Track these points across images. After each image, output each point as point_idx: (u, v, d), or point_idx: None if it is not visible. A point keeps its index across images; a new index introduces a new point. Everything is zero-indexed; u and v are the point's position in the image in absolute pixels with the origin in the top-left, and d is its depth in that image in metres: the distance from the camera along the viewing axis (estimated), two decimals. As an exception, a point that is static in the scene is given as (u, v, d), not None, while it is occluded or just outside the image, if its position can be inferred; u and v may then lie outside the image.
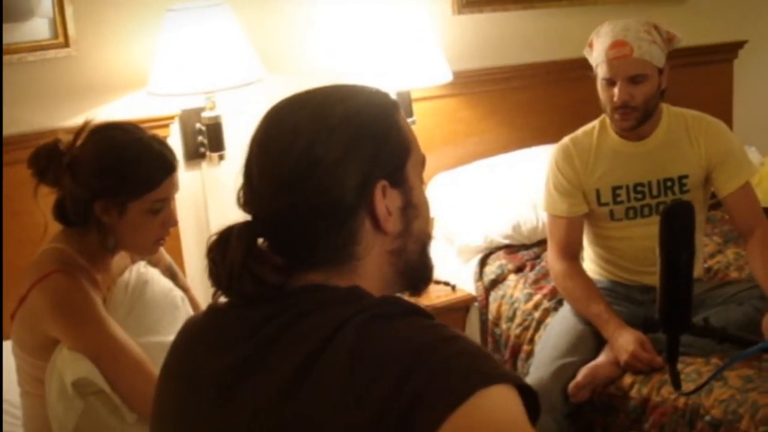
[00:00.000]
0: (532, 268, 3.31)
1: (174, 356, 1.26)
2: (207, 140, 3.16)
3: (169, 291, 2.20)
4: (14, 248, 2.74)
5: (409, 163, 1.21)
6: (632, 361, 2.52)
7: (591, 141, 2.79)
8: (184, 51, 2.89)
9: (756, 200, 2.78)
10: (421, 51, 3.32)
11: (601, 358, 2.61)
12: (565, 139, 2.85)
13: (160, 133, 2.61)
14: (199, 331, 1.24)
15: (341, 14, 3.49)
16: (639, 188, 2.75)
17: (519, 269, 3.34)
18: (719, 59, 4.47)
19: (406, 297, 1.25)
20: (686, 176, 2.72)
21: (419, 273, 1.27)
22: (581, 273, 2.82)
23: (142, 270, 2.18)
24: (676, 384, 1.54)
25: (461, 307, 3.37)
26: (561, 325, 2.77)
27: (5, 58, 2.87)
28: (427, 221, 1.26)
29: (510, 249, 3.47)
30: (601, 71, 2.65)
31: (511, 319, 3.12)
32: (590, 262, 2.97)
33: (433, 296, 3.31)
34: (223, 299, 1.21)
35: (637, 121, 2.66)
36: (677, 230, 1.43)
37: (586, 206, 2.80)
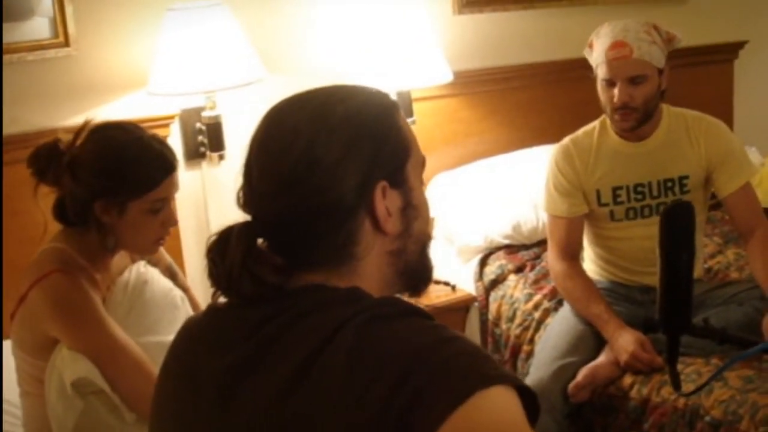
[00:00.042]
0: (533, 269, 3.31)
1: (173, 356, 1.26)
2: (207, 140, 3.16)
3: (168, 291, 2.19)
4: (14, 248, 2.74)
5: (409, 163, 1.21)
6: (632, 361, 2.52)
7: (591, 141, 2.79)
8: (184, 51, 2.89)
9: (756, 201, 2.78)
10: (422, 51, 3.32)
11: (601, 359, 2.61)
12: (566, 140, 2.85)
13: (160, 132, 2.61)
14: (198, 331, 1.24)
15: (341, 14, 3.49)
16: (639, 189, 2.74)
17: (519, 269, 3.34)
18: (720, 59, 4.47)
19: (405, 298, 1.25)
20: (686, 177, 2.72)
21: (419, 274, 1.27)
22: (581, 273, 2.82)
23: (142, 270, 2.17)
24: (676, 385, 1.53)
25: (461, 307, 3.36)
26: (561, 325, 2.77)
27: (5, 57, 2.87)
28: (427, 222, 1.26)
29: (510, 249, 3.47)
30: (601, 72, 2.65)
31: (511, 319, 3.12)
32: (590, 263, 2.97)
33: (433, 296, 3.31)
34: (222, 299, 1.21)
35: (637, 121, 2.66)
36: (677, 231, 1.43)
37: (586, 206, 2.80)
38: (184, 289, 2.31)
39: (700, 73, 4.27)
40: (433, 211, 3.51)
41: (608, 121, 2.76)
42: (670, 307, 1.45)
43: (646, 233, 2.69)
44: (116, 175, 1.95)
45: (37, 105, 2.97)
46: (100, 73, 3.07)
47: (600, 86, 2.68)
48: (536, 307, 3.06)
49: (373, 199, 1.16)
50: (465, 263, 3.50)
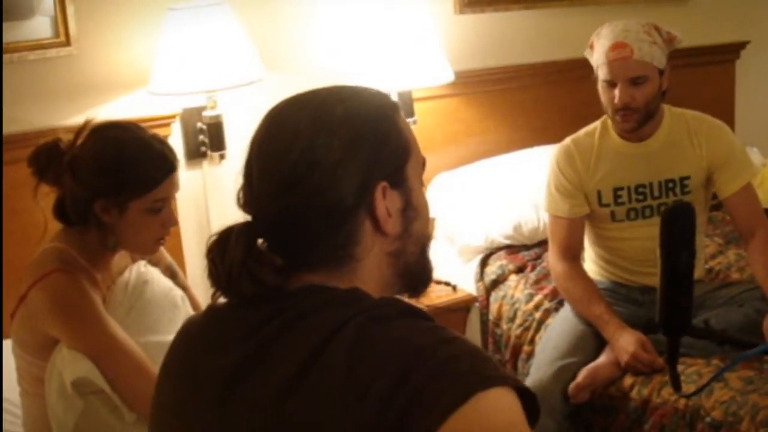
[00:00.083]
0: (533, 269, 3.31)
1: (173, 356, 1.26)
2: (208, 139, 3.16)
3: (169, 290, 2.20)
4: (14, 247, 2.74)
5: (409, 164, 1.21)
6: (633, 362, 2.51)
7: (592, 142, 2.79)
8: (185, 50, 2.89)
9: (757, 201, 2.78)
10: (423, 51, 3.32)
11: (602, 359, 2.60)
12: (567, 140, 2.85)
13: (161, 132, 2.61)
14: (198, 332, 1.25)
15: (342, 13, 3.49)
16: (640, 189, 2.74)
17: (520, 270, 3.34)
18: (721, 60, 4.46)
19: (405, 298, 1.24)
20: (688, 177, 2.72)
21: (418, 275, 1.27)
22: (582, 274, 2.82)
23: (142, 269, 2.17)
24: (676, 386, 1.53)
25: (462, 308, 3.36)
26: (562, 325, 2.77)
27: (6, 56, 2.87)
28: (426, 223, 1.26)
29: (511, 249, 3.47)
30: (601, 73, 2.65)
31: (512, 319, 3.12)
32: (591, 263, 2.97)
33: (434, 296, 3.31)
34: (222, 299, 1.21)
35: (638, 122, 2.65)
36: (678, 232, 1.43)
37: (587, 207, 2.80)
38: (185, 289, 2.31)
39: (702, 74, 4.27)
40: (434, 211, 3.52)
41: (609, 122, 2.76)
42: (670, 308, 1.45)
43: (647, 234, 2.69)
44: (117, 175, 1.95)
45: (38, 104, 2.97)
46: (101, 72, 3.07)
47: (601, 87, 2.67)
48: (537, 307, 3.06)
49: (373, 200, 1.16)
50: (466, 263, 3.50)
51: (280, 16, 3.39)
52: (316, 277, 1.17)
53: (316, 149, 1.14)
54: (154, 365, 1.86)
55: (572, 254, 2.83)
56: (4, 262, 2.72)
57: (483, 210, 3.49)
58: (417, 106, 3.49)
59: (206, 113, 3.11)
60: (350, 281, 1.17)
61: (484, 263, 3.44)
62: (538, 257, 3.39)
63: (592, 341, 2.66)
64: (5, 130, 2.87)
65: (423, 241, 1.26)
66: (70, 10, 2.96)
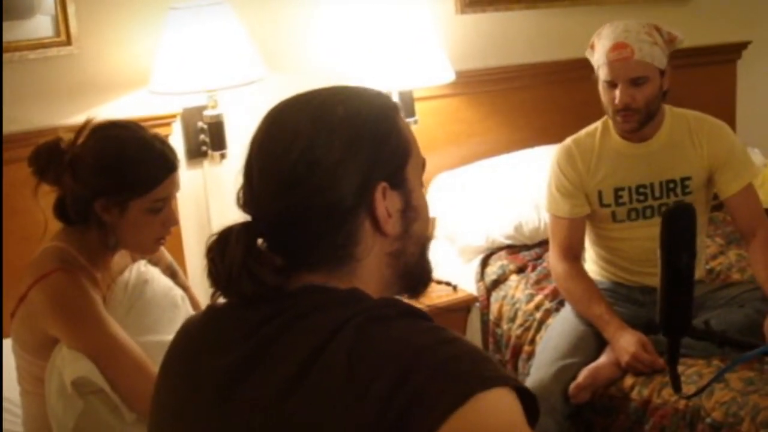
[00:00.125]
0: (534, 269, 3.31)
1: (172, 356, 1.26)
2: (209, 139, 3.16)
3: (169, 290, 2.19)
4: (14, 247, 2.74)
5: (409, 165, 1.21)
6: (633, 362, 2.51)
7: (593, 142, 2.79)
8: (186, 49, 2.89)
9: (758, 202, 2.78)
10: (424, 50, 3.32)
11: (602, 360, 2.60)
12: (568, 140, 2.85)
13: (161, 131, 2.61)
14: (197, 331, 1.24)
15: (343, 13, 3.49)
16: (641, 190, 2.74)
17: (520, 270, 3.34)
18: (722, 60, 4.46)
19: (404, 299, 1.24)
20: (689, 178, 2.72)
21: (418, 275, 1.27)
22: (583, 274, 2.82)
23: (143, 269, 2.17)
24: (677, 387, 1.53)
25: (462, 308, 3.36)
26: (562, 326, 2.77)
27: (6, 55, 2.87)
28: (426, 224, 1.26)
29: (511, 249, 3.47)
30: (602, 73, 2.64)
31: (513, 319, 3.12)
32: (592, 263, 2.97)
33: (435, 296, 3.30)
34: (222, 299, 1.21)
35: (638, 123, 2.65)
36: (678, 232, 1.42)
37: (588, 207, 2.80)
38: (185, 288, 2.31)
39: (703, 74, 4.26)
40: (435, 211, 3.52)
41: (610, 122, 2.76)
42: (670, 308, 1.45)
43: (648, 234, 2.69)
44: (117, 174, 1.95)
45: (39, 103, 2.97)
46: (101, 71, 3.07)
47: (601, 87, 2.67)
48: (537, 307, 3.06)
49: (373, 200, 1.16)
50: (466, 263, 3.50)
51: (281, 15, 3.39)
52: (316, 277, 1.17)
53: (317, 149, 1.14)
54: (154, 365, 1.85)
55: (573, 254, 2.82)
56: (4, 261, 2.72)
57: (484, 210, 3.49)
58: (418, 106, 3.49)
59: (207, 113, 3.11)
60: (350, 282, 1.17)
61: (484, 263, 3.43)
62: (539, 257, 3.39)
63: (593, 341, 2.66)
64: (5, 130, 2.87)
65: (423, 241, 1.26)
66: (71, 9, 2.96)
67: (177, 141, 3.17)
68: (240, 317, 1.17)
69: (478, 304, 3.33)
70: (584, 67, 2.79)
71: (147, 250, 2.16)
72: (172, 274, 2.33)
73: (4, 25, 2.86)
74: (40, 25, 2.95)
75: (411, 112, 3.43)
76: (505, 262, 3.38)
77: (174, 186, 2.03)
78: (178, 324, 1.34)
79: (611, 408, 2.55)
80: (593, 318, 2.67)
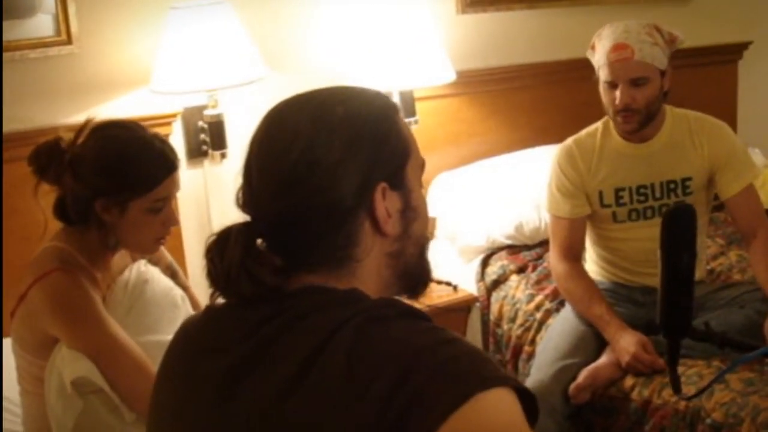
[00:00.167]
0: (534, 269, 3.30)
1: (172, 356, 1.26)
2: (209, 138, 3.16)
3: (169, 290, 2.19)
4: (14, 246, 2.74)
5: (408, 165, 1.21)
6: (633, 362, 2.51)
7: (594, 142, 2.79)
8: (186, 49, 2.89)
9: (759, 202, 2.78)
10: (425, 50, 3.31)
11: (603, 360, 2.60)
12: (569, 141, 2.84)
13: (162, 130, 2.61)
14: (197, 332, 1.24)
15: (344, 13, 3.48)
16: (642, 190, 2.74)
17: (521, 270, 3.33)
18: (723, 60, 4.45)
19: (404, 299, 1.24)
20: (689, 178, 2.72)
21: (417, 276, 1.27)
22: (583, 274, 2.82)
23: (143, 269, 2.17)
24: (677, 388, 1.53)
25: (463, 308, 3.36)
26: (562, 326, 2.77)
27: (7, 54, 2.87)
28: (425, 224, 1.26)
29: (512, 249, 3.47)
30: (602, 74, 2.64)
31: (513, 319, 3.12)
32: (592, 263, 2.96)
33: (435, 296, 3.30)
34: (221, 300, 1.21)
35: (639, 123, 2.65)
36: (678, 233, 1.42)
37: (588, 207, 2.80)
38: (185, 288, 2.31)
39: (704, 74, 4.26)
40: (435, 211, 3.53)
41: (611, 122, 2.76)
42: (670, 310, 1.45)
43: (649, 234, 2.69)
44: (117, 174, 1.95)
45: (39, 103, 2.97)
46: (102, 71, 3.07)
47: (602, 88, 2.67)
48: (538, 307, 3.05)
49: (372, 201, 1.16)
50: (467, 263, 3.50)
51: (281, 15, 3.39)
52: (316, 277, 1.16)
53: (317, 149, 1.14)
54: (154, 365, 1.85)
55: (573, 255, 2.82)
56: (4, 261, 2.72)
57: (484, 210, 3.48)
58: (418, 106, 3.49)
59: (207, 112, 3.12)
60: (349, 282, 1.17)
61: (485, 263, 3.43)
62: (540, 257, 3.39)
63: (593, 342, 2.66)
64: (6, 129, 2.87)
65: (422, 242, 1.26)
66: (72, 8, 2.96)
67: (177, 140, 3.17)
68: (239, 317, 1.17)
69: (478, 304, 3.33)
70: (585, 67, 2.78)
71: (147, 250, 2.16)
72: (172, 274, 2.33)
73: (5, 24, 2.86)
74: (41, 24, 2.95)
75: (411, 112, 3.42)
76: (505, 262, 3.38)
77: (174, 186, 2.03)
78: (178, 324, 1.34)
79: (611, 408, 2.55)
80: (593, 318, 2.67)
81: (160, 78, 2.94)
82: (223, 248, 1.15)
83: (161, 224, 2.03)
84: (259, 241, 1.18)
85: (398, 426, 0.98)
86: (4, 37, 2.86)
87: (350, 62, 3.37)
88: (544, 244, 3.35)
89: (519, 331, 3.05)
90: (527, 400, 1.04)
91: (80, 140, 1.98)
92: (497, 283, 3.30)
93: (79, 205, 1.96)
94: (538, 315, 3.02)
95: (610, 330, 2.61)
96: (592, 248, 2.95)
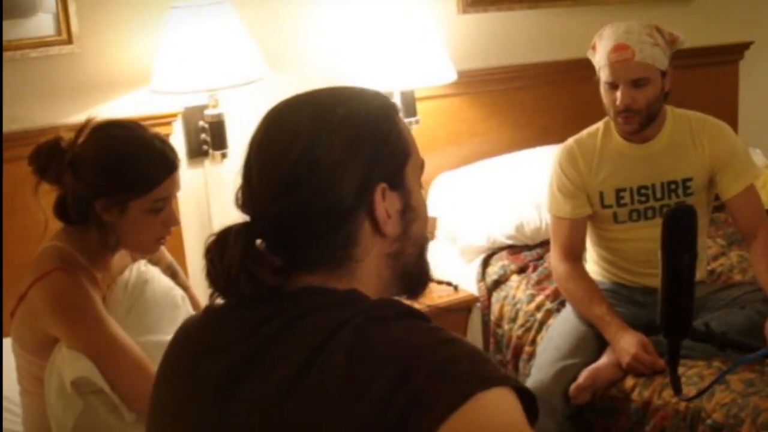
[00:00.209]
0: (535, 269, 3.30)
1: (171, 356, 1.26)
2: (210, 138, 3.16)
3: (169, 290, 2.19)
4: (14, 246, 2.74)
5: (408, 166, 1.21)
6: (634, 363, 2.51)
7: (595, 143, 2.79)
8: (187, 48, 2.89)
9: (760, 203, 2.78)
10: (426, 50, 3.31)
11: (603, 360, 2.60)
12: (569, 141, 2.84)
13: (162, 130, 2.61)
14: (197, 332, 1.24)
15: (345, 12, 3.48)
16: (643, 191, 2.74)
17: (522, 270, 3.33)
18: (725, 60, 4.45)
19: (403, 300, 1.24)
20: (690, 179, 2.72)
21: (417, 276, 1.27)
22: (584, 274, 2.81)
23: (143, 269, 2.17)
24: (677, 389, 1.53)
25: (463, 308, 3.36)
26: (563, 326, 2.77)
27: (8, 54, 2.87)
28: (425, 225, 1.26)
29: (513, 249, 3.46)
30: (603, 75, 2.64)
31: (513, 320, 3.12)
32: (593, 264, 2.96)
33: (436, 296, 3.30)
34: (220, 300, 1.21)
35: (640, 124, 2.65)
36: (679, 234, 1.42)
37: (589, 208, 2.79)
38: (185, 288, 2.30)
39: (705, 75, 4.26)
40: (436, 210, 3.52)
41: (612, 123, 2.75)
42: (671, 310, 1.44)
43: (649, 235, 2.68)
44: (118, 174, 1.95)
45: (40, 102, 2.97)
46: (102, 70, 3.07)
47: (603, 89, 2.67)
48: (538, 308, 3.05)
49: (372, 201, 1.16)
50: (467, 263, 3.49)
51: (282, 14, 3.39)
52: (315, 278, 1.16)
53: (317, 149, 1.14)
54: (154, 365, 1.85)
55: (574, 255, 2.82)
56: (4, 260, 2.72)
57: (485, 210, 3.48)
58: (419, 106, 3.49)
59: (208, 112, 3.11)
60: (349, 282, 1.17)
61: (485, 263, 3.43)
62: (540, 258, 3.38)
63: (594, 342, 2.66)
64: (6, 128, 2.87)
65: (421, 242, 1.26)
66: (72, 8, 2.96)
67: (178, 140, 3.17)
68: (239, 318, 1.17)
69: (479, 305, 3.33)
70: (586, 67, 2.78)
71: (147, 250, 2.16)
72: (172, 274, 2.32)
73: (6, 23, 2.86)
74: (42, 23, 2.95)
75: (412, 112, 3.42)
76: (506, 262, 3.38)
77: (174, 186, 2.03)
78: (178, 324, 1.34)
79: (612, 409, 2.55)
80: (594, 319, 2.67)
81: (161, 78, 2.94)
82: (223, 248, 1.15)
83: (161, 224, 2.03)
84: (258, 241, 1.17)
85: (398, 426, 0.98)
86: (5, 37, 2.86)
87: (351, 62, 3.37)
88: (544, 244, 3.35)
89: (519, 332, 3.05)
90: (527, 399, 1.04)
91: (81, 140, 1.98)
92: (498, 283, 3.30)
93: (80, 204, 1.96)
94: (539, 315, 3.02)
95: (611, 330, 2.61)
96: (592, 249, 2.95)
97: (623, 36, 2.58)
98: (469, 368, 1.03)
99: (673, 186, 2.72)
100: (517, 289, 3.21)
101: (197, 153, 3.26)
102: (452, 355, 1.05)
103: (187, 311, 2.17)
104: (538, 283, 3.19)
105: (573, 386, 2.56)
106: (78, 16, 2.98)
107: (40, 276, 1.92)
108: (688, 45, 2.72)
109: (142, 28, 3.09)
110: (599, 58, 2.65)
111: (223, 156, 3.17)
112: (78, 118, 2.73)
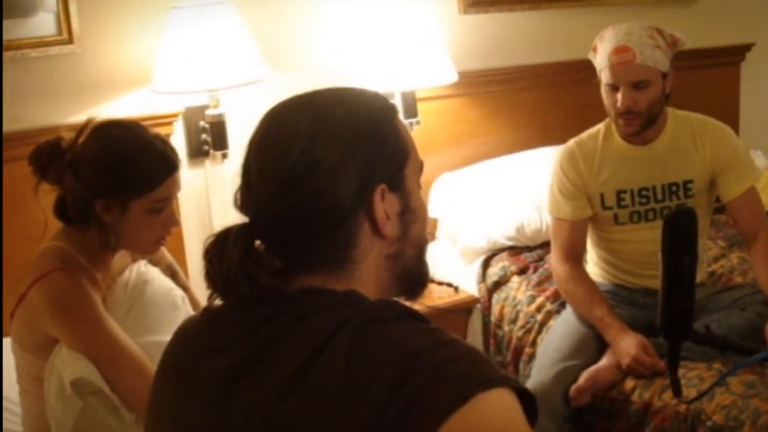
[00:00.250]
0: (536, 270, 3.30)
1: (170, 357, 1.26)
2: (210, 138, 3.16)
3: (169, 290, 2.19)
4: (14, 246, 2.74)
5: (407, 167, 1.21)
6: (634, 365, 2.51)
7: (596, 144, 2.78)
8: (188, 49, 2.89)
9: (761, 205, 2.78)
10: (427, 51, 3.31)
11: (603, 362, 2.60)
12: (570, 142, 2.84)
13: (163, 130, 2.61)
14: (196, 333, 1.24)
15: (346, 13, 3.48)
16: (644, 193, 2.73)
17: (522, 271, 3.33)
18: (726, 62, 4.45)
19: (402, 301, 1.24)
20: (691, 181, 2.71)
21: (416, 278, 1.27)
22: (584, 276, 2.81)
23: (143, 269, 2.17)
24: (677, 391, 1.53)
25: (464, 309, 3.36)
26: (563, 328, 2.76)
27: (9, 54, 2.87)
28: (424, 226, 1.26)
29: (513, 251, 3.46)
30: (604, 77, 2.64)
31: (514, 321, 3.12)
32: (593, 265, 2.96)
33: (436, 297, 3.30)
34: (219, 302, 1.21)
35: (641, 126, 2.65)
36: (680, 236, 1.42)
37: (590, 209, 2.79)
38: (185, 289, 2.30)
39: (707, 76, 4.26)
40: (437, 211, 3.52)
41: (613, 124, 2.75)
42: (671, 312, 1.45)
43: (650, 237, 2.68)
44: (118, 174, 1.94)
45: (40, 102, 2.97)
46: (103, 70, 3.07)
47: (604, 90, 2.66)
48: (539, 309, 3.05)
49: (372, 202, 1.16)
50: (468, 264, 3.49)
51: (283, 15, 3.39)
52: (314, 279, 1.16)
53: (317, 149, 1.14)
54: (154, 365, 1.85)
55: (575, 256, 2.82)
56: (4, 260, 2.72)
57: (486, 211, 3.48)
58: (420, 107, 3.48)
59: (209, 112, 3.11)
60: (348, 284, 1.17)
61: (486, 264, 3.43)
62: (541, 259, 3.38)
63: (594, 344, 2.66)
64: (6, 128, 2.87)
65: (420, 244, 1.26)
66: (73, 7, 2.96)
67: (179, 140, 3.17)
68: (238, 319, 1.17)
69: (479, 306, 3.32)
70: (587, 68, 2.78)
71: (147, 251, 2.16)
72: (172, 274, 2.32)
73: (7, 22, 2.86)
74: (43, 23, 2.95)
75: (413, 113, 3.42)
76: (506, 263, 3.38)
77: (175, 186, 2.03)
78: (178, 325, 1.34)
79: (612, 411, 2.55)
80: (594, 320, 2.67)
81: (162, 78, 2.94)
82: (222, 250, 1.15)
83: (162, 225, 2.03)
84: (257, 242, 1.17)
85: (397, 427, 0.98)
86: (5, 36, 2.86)
87: (352, 63, 3.37)
88: (545, 245, 3.35)
89: (520, 333, 3.05)
90: (527, 400, 1.04)
91: (81, 140, 1.97)
92: (498, 285, 3.30)
93: (80, 204, 1.96)
94: (539, 316, 3.02)
95: (611, 332, 2.61)
96: (593, 250, 2.95)
97: (624, 38, 2.58)
98: (469, 369, 1.03)
99: (674, 188, 2.72)
100: (518, 290, 3.21)
101: (198, 153, 3.26)
102: (451, 357, 1.04)
103: (187, 312, 2.17)
104: (539, 284, 3.19)
105: (573, 388, 2.55)
106: (79, 16, 2.98)
107: (39, 276, 1.91)
108: (689, 46, 2.72)
109: (143, 28, 3.09)
110: (600, 60, 2.64)
111: (224, 156, 3.17)
112: (78, 118, 2.73)
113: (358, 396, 1.01)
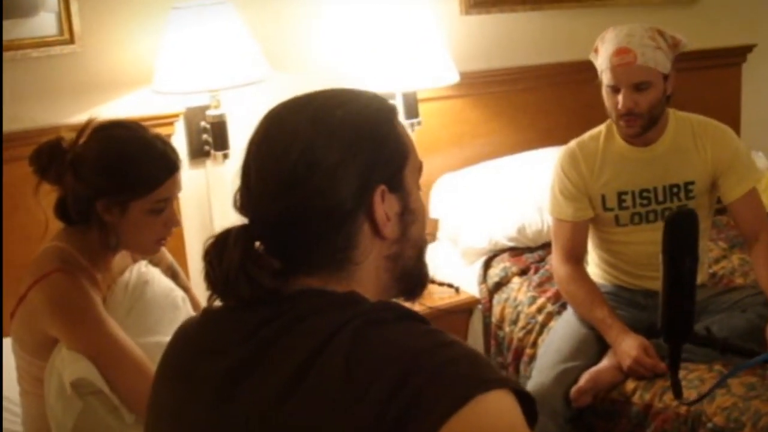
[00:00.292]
0: (537, 271, 3.30)
1: (170, 358, 1.26)
2: (211, 139, 3.15)
3: (170, 291, 2.19)
4: (14, 246, 2.74)
5: (407, 168, 1.21)
6: (635, 366, 2.51)
7: (597, 146, 2.78)
8: (189, 49, 2.89)
9: (762, 206, 2.78)
10: (428, 51, 3.31)
11: (604, 363, 2.60)
12: (572, 144, 2.84)
13: (164, 131, 2.61)
14: (195, 334, 1.25)
15: (347, 13, 3.48)
16: (645, 194, 2.73)
17: (523, 272, 3.33)
18: (728, 63, 4.44)
19: (402, 302, 1.24)
20: (692, 182, 2.71)
21: (415, 279, 1.27)
22: (585, 277, 2.81)
23: (143, 269, 2.17)
24: (678, 393, 1.53)
25: (465, 310, 3.36)
26: (564, 329, 2.76)
27: (9, 54, 2.87)
28: (423, 227, 1.26)
29: (514, 251, 3.46)
30: (605, 78, 2.63)
31: (515, 322, 3.12)
32: (594, 266, 2.96)
33: (437, 298, 3.29)
34: (219, 303, 1.20)
35: (642, 128, 2.65)
36: (681, 238, 1.42)
37: (591, 211, 2.79)
38: (186, 290, 2.30)
39: (708, 77, 4.25)
40: (438, 212, 3.52)
41: (614, 126, 2.75)
42: (672, 313, 1.44)
43: (651, 238, 2.67)
44: (119, 174, 1.94)
45: (41, 102, 2.96)
46: (104, 70, 3.07)
47: (605, 92, 2.66)
48: (540, 310, 3.05)
49: (372, 203, 1.16)
50: (469, 265, 3.49)
51: (284, 15, 3.39)
52: (314, 280, 1.16)
53: (317, 150, 1.14)
54: (154, 366, 1.85)
55: (576, 257, 2.82)
56: (4, 261, 2.72)
57: (487, 212, 3.48)
58: (422, 107, 3.48)
59: (210, 112, 3.11)
60: (348, 285, 1.17)
61: (487, 265, 3.43)
62: (542, 260, 3.38)
63: (595, 345, 2.66)
64: (7, 128, 2.86)
65: (420, 245, 1.26)
66: (74, 7, 2.95)
67: (179, 141, 3.17)
68: (238, 320, 1.17)
69: (480, 307, 3.32)
70: (589, 69, 2.77)
71: (148, 251, 2.16)
72: (173, 274, 2.32)
73: (8, 22, 2.85)
74: (44, 23, 2.94)
75: (415, 114, 3.41)
76: (507, 264, 3.37)
77: (176, 186, 2.03)
78: (178, 325, 1.34)
79: (613, 412, 2.55)
80: (595, 321, 2.67)
81: (163, 78, 2.94)
82: (222, 251, 1.15)
83: (162, 225, 2.03)
84: (257, 243, 1.17)
85: (397, 428, 0.98)
86: (6, 36, 2.85)
87: (353, 63, 3.37)
88: (546, 246, 3.35)
89: (521, 334, 3.05)
90: (526, 402, 1.04)
91: (82, 140, 1.97)
92: (499, 286, 3.30)
93: (80, 205, 1.96)
94: (540, 317, 3.02)
95: (612, 333, 2.61)
96: (594, 251, 2.95)
97: (625, 39, 2.57)
98: (469, 371, 1.03)
99: (675, 189, 2.72)
100: (519, 291, 3.21)
101: (199, 153, 3.25)
102: (451, 358, 1.04)
103: (187, 312, 2.17)
104: (540, 285, 3.19)
105: (574, 389, 2.55)
106: (80, 16, 2.98)
107: (40, 277, 1.91)
108: (691, 47, 2.71)
109: (144, 28, 3.09)
110: (601, 62, 2.64)
111: (225, 157, 3.16)
112: (79, 118, 2.73)
113: (357, 397, 1.01)
